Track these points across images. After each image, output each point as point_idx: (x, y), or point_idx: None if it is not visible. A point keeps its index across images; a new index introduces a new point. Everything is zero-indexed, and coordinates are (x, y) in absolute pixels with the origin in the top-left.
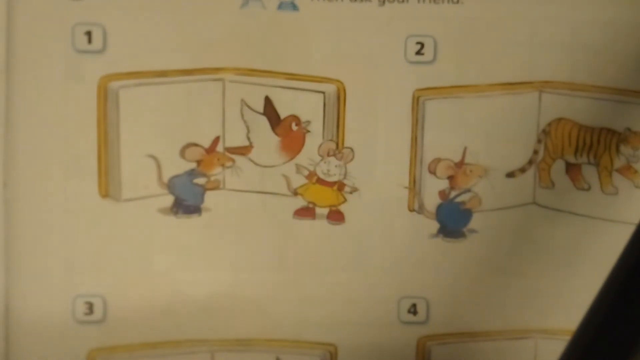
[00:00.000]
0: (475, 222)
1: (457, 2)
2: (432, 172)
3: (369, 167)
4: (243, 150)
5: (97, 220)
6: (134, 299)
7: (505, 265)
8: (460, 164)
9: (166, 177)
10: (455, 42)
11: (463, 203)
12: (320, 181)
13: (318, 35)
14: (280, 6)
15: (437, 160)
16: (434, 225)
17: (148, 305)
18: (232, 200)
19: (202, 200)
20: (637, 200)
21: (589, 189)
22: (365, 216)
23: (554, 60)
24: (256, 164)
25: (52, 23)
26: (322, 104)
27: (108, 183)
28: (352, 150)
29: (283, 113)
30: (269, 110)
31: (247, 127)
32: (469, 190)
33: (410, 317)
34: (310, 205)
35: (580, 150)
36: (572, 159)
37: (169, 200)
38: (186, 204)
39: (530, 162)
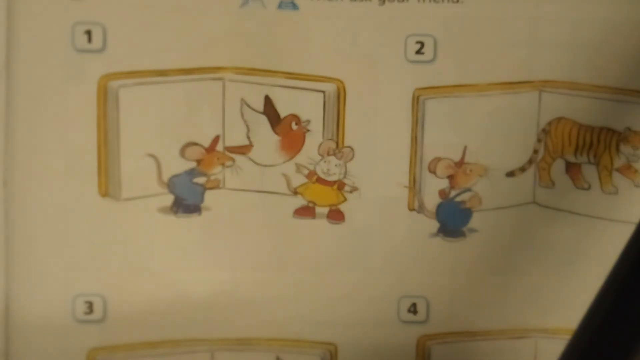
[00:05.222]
0: (475, 221)
1: (457, 1)
2: (432, 171)
3: (369, 166)
4: (243, 150)
5: (97, 220)
6: (134, 298)
7: (505, 265)
8: (460, 163)
9: (166, 176)
10: (455, 42)
11: (463, 202)
12: (320, 180)
13: (318, 34)
14: (280, 5)
15: (437, 160)
16: (434, 225)
17: (148, 304)
18: (232, 199)
19: (202, 199)
20: (637, 200)
21: (589, 188)
22: (365, 215)
23: (554, 60)
24: (256, 163)
25: (52, 22)
26: (322, 103)
27: (108, 182)
28: (352, 149)
29: (283, 112)
30: (269, 109)
31: (247, 127)
32: (469, 190)
33: (410, 317)
34: (310, 205)
35: (580, 149)
36: (572, 158)
37: (168, 199)
38: (186, 203)
39: (530, 162)
